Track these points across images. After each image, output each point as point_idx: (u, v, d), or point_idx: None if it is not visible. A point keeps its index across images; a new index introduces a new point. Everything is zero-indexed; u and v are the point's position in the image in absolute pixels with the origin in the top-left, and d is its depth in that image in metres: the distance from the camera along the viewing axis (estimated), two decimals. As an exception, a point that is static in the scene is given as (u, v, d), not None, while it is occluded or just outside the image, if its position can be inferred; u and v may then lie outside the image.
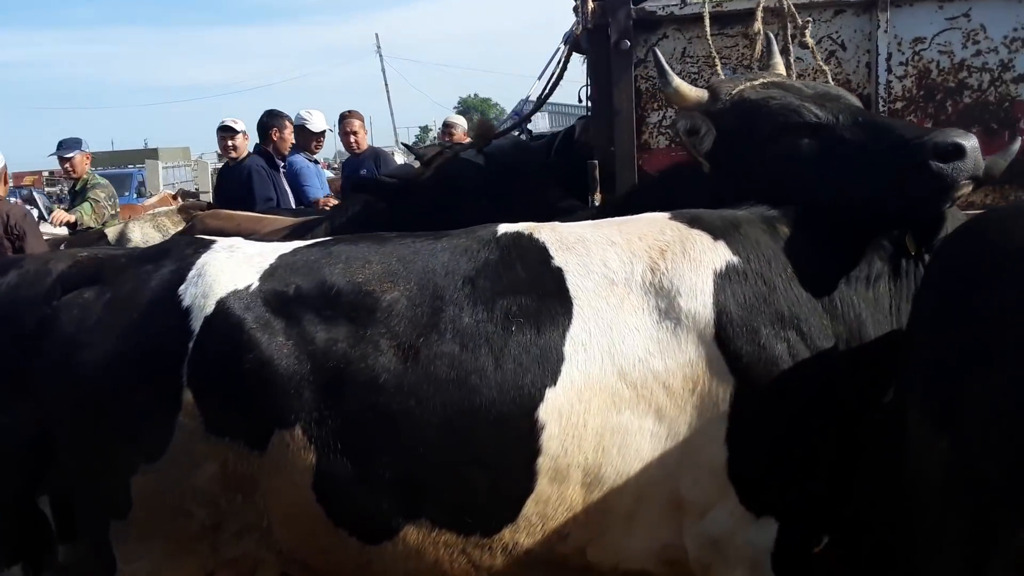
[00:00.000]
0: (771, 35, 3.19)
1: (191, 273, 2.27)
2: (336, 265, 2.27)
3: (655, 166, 3.42)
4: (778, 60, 3.09)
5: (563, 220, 2.97)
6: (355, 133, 6.96)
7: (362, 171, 6.65)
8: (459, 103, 64.53)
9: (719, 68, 3.19)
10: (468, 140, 8.18)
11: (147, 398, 2.19)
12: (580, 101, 7.18)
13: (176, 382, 2.17)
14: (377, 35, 50.53)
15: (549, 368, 2.15)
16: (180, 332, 2.19)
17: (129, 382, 2.20)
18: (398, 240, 2.39)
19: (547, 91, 4.35)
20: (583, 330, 2.19)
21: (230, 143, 6.45)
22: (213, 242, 2.43)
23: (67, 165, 6.66)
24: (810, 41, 3.23)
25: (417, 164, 4.46)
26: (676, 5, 3.39)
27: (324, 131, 6.94)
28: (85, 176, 6.75)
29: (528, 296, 2.22)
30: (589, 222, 2.50)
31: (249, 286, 2.24)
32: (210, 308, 2.20)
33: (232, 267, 2.28)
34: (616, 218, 2.48)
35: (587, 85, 5.35)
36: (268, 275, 2.26)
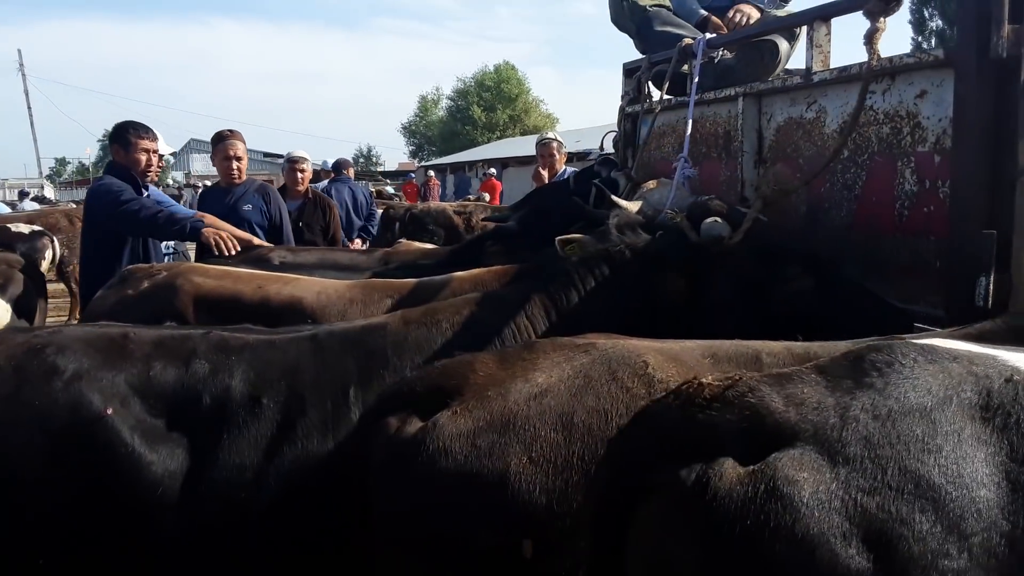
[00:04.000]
0: None
1: None
2: None
3: None
4: None
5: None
6: (239, 159, 5.42)
7: (246, 207, 5.29)
8: (107, 135, 63.47)
9: None
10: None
11: None
12: (602, 149, 5.58)
13: None
14: (20, 51, 49.69)
15: None
16: None
17: None
18: None
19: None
20: None
21: None
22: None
23: None
24: None
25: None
26: None
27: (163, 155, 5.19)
28: None
29: None
30: None
31: None
32: None
33: None
34: None
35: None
36: None
